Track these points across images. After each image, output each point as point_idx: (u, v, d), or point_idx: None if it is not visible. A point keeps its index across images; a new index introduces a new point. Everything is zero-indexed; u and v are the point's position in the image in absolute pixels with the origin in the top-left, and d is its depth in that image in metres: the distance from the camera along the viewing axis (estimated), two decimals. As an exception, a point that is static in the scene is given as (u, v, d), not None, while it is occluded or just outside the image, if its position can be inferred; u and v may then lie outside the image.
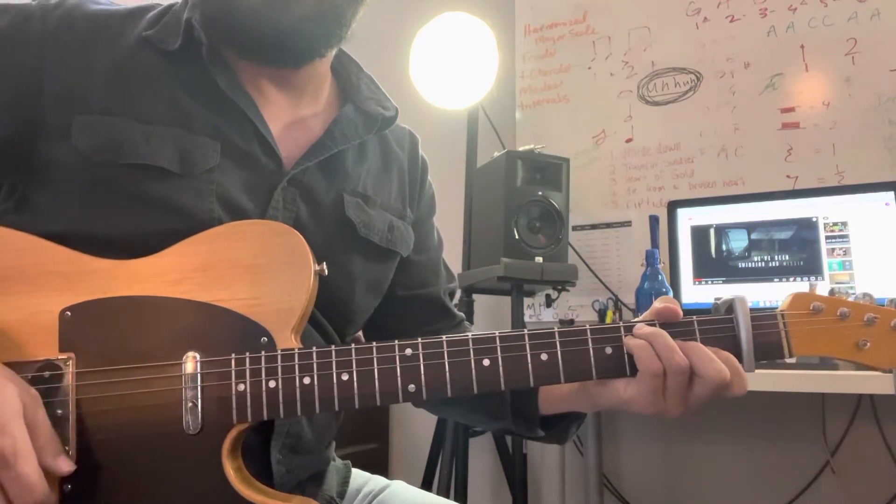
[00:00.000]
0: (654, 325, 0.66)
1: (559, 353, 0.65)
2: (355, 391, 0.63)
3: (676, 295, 1.81)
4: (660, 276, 1.76)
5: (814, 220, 1.71)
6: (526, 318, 2.03)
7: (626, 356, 0.65)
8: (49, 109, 0.69)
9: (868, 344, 0.65)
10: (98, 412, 0.62)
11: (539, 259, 1.74)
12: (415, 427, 2.33)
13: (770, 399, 1.78)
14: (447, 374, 0.64)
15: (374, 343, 0.65)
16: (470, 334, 0.66)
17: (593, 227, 2.20)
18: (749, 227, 1.78)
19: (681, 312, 0.66)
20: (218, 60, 0.75)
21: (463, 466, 1.77)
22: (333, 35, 0.76)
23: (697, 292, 1.81)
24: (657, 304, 0.67)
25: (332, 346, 0.64)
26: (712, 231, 1.82)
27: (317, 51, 0.76)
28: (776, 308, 0.67)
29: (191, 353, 0.63)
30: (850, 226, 1.67)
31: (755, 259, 1.76)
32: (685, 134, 2.09)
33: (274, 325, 0.65)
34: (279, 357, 0.63)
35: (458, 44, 1.90)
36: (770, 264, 1.74)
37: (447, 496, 1.54)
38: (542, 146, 1.86)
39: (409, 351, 0.64)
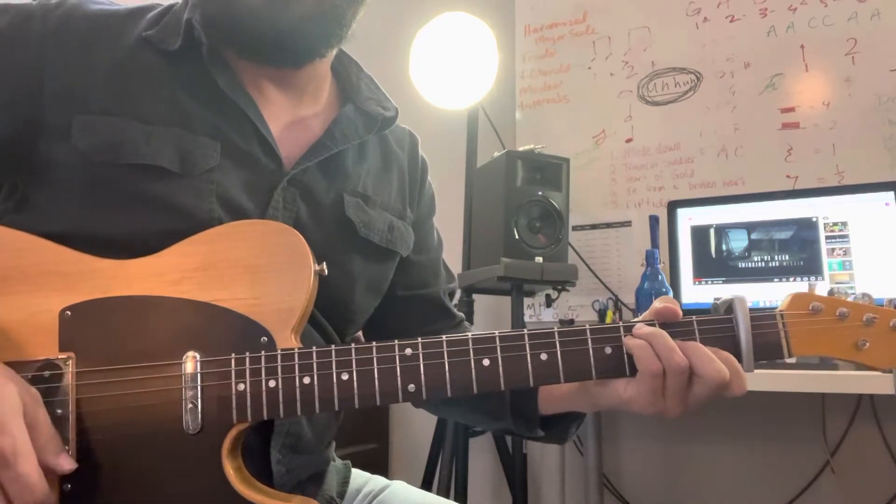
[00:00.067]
0: (653, 325, 0.66)
1: (559, 353, 0.65)
2: (355, 391, 0.63)
3: (676, 295, 1.81)
4: (660, 276, 1.76)
5: (814, 220, 1.71)
6: (526, 318, 2.03)
7: (625, 356, 0.65)
8: (49, 109, 0.69)
9: (867, 344, 0.65)
10: (98, 412, 0.62)
11: (539, 259, 1.74)
12: (415, 427, 2.33)
13: (770, 399, 1.78)
14: (447, 373, 0.64)
15: (374, 343, 0.65)
16: (470, 334, 0.66)
17: (593, 227, 2.20)
18: (749, 227, 1.78)
19: (680, 312, 0.66)
20: (218, 60, 0.75)
21: (463, 466, 1.77)
22: (333, 35, 0.76)
23: (697, 292, 1.81)
24: (657, 304, 0.67)
25: (332, 346, 0.64)
26: (712, 231, 1.82)
27: (317, 51, 0.77)
28: (776, 308, 0.67)
29: (191, 353, 0.63)
30: (850, 226, 1.67)
31: (755, 259, 1.76)
32: (685, 134, 2.10)
33: (274, 324, 0.65)
34: (279, 357, 0.63)
35: (458, 44, 1.90)
36: (770, 264, 1.74)
37: (447, 496, 1.54)
38: (542, 146, 1.86)
39: (408, 351, 0.64)
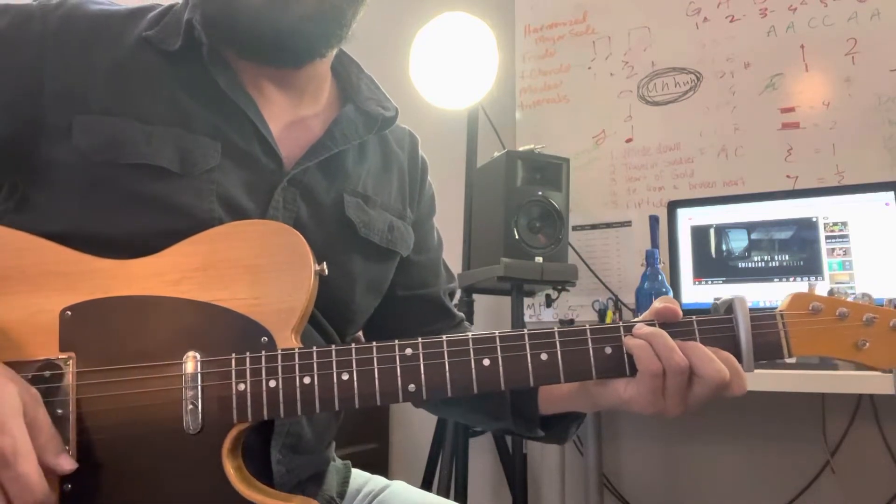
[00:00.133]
0: (653, 325, 0.66)
1: (559, 353, 0.65)
2: (355, 391, 0.63)
3: (676, 295, 1.81)
4: (660, 276, 1.76)
5: (814, 220, 1.71)
6: (526, 318, 2.03)
7: (625, 356, 0.65)
8: (49, 110, 0.69)
9: (867, 344, 0.65)
10: (98, 412, 0.62)
11: (539, 259, 1.74)
12: (415, 427, 2.33)
13: (770, 399, 1.78)
14: (447, 373, 0.64)
15: (375, 343, 0.65)
16: (470, 334, 0.66)
17: (593, 227, 2.20)
18: (749, 227, 1.78)
19: (680, 312, 0.66)
20: (218, 60, 0.75)
21: (463, 466, 1.77)
22: (334, 35, 0.76)
23: (697, 292, 1.81)
24: (657, 303, 0.67)
25: (333, 346, 0.64)
26: (712, 231, 1.82)
27: (317, 51, 0.77)
28: (776, 308, 0.67)
29: (191, 353, 0.63)
30: (850, 226, 1.67)
31: (755, 259, 1.76)
32: (685, 134, 2.10)
33: (274, 324, 0.65)
34: (279, 357, 0.63)
35: (458, 44, 1.90)
36: (770, 264, 1.74)
37: (447, 496, 1.54)
38: (542, 146, 1.86)
39: (409, 351, 0.65)
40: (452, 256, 1.10)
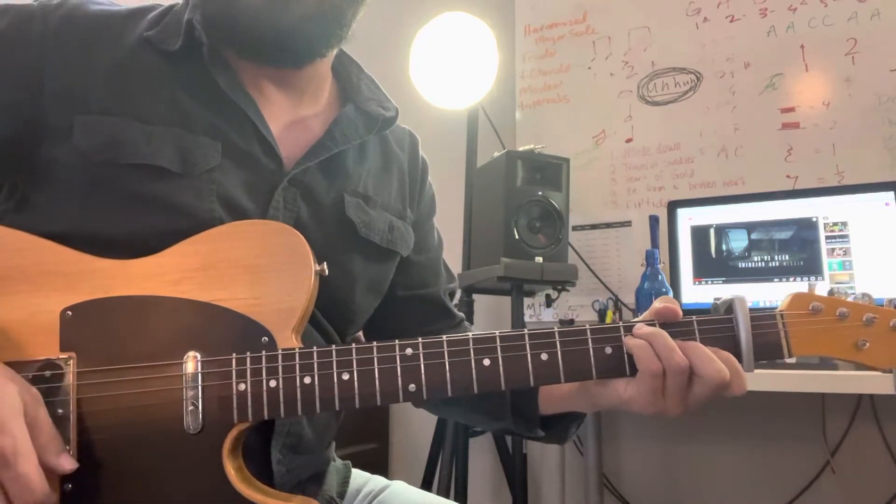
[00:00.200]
0: (653, 325, 0.66)
1: (559, 353, 0.65)
2: (356, 391, 0.63)
3: (676, 295, 1.81)
4: (660, 276, 1.76)
5: (814, 220, 1.71)
6: (526, 318, 2.03)
7: (625, 356, 0.65)
8: (50, 110, 0.69)
9: (867, 344, 0.65)
10: (99, 412, 0.62)
11: (539, 259, 1.74)
12: (415, 427, 2.33)
13: (770, 399, 1.78)
14: (447, 373, 0.64)
15: (375, 343, 0.65)
16: (470, 334, 0.66)
17: (593, 227, 2.20)
18: (749, 227, 1.78)
19: (680, 312, 0.66)
20: (218, 61, 0.75)
21: (463, 466, 1.77)
22: (334, 35, 0.76)
23: (697, 292, 1.81)
24: (657, 304, 0.67)
25: (333, 346, 0.64)
26: (712, 231, 1.82)
27: (317, 51, 0.77)
28: (776, 308, 0.67)
29: (191, 353, 0.63)
30: (850, 226, 1.67)
31: (755, 259, 1.76)
32: (685, 134, 2.10)
33: (274, 324, 0.65)
34: (280, 357, 0.63)
35: (458, 44, 1.90)
36: (770, 264, 1.74)
37: (447, 496, 1.54)
38: (542, 146, 1.86)
39: (409, 351, 0.65)
40: (452, 256, 1.10)
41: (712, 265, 1.81)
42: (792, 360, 1.10)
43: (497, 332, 0.66)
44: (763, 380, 1.37)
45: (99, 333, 0.63)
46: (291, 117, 0.80)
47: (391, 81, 1.00)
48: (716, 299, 0.69)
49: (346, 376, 0.63)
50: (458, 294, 1.82)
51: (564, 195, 1.82)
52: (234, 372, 0.63)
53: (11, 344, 0.63)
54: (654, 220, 1.92)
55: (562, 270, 1.76)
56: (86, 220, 0.68)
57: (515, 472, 1.79)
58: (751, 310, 0.66)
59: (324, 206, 0.78)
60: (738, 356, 0.65)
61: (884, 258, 1.62)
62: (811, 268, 1.69)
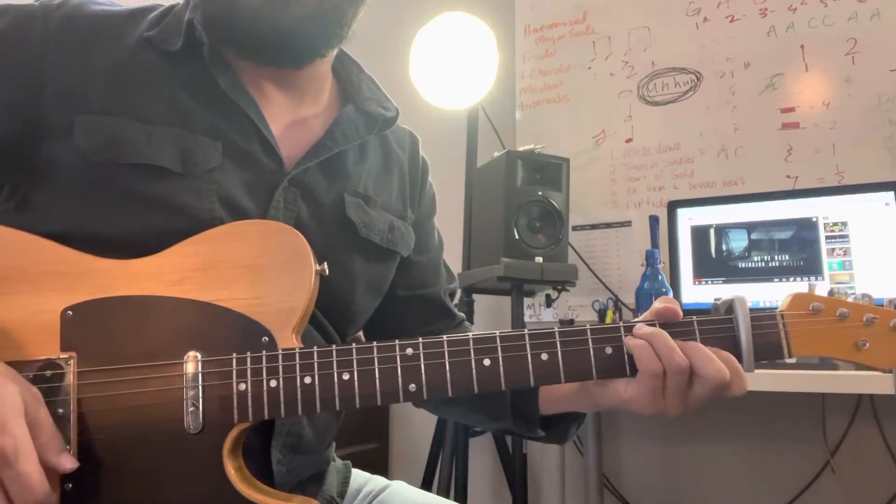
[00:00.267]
0: (654, 325, 0.66)
1: (559, 353, 0.65)
2: (356, 391, 0.63)
3: (676, 295, 1.81)
4: (660, 276, 1.76)
5: (814, 220, 1.71)
6: (526, 318, 2.03)
7: (626, 356, 0.65)
8: (50, 110, 0.69)
9: (867, 344, 0.65)
10: (99, 411, 0.62)
11: (539, 259, 1.74)
12: (415, 427, 2.33)
13: (770, 399, 1.78)
14: (448, 373, 0.64)
15: (375, 343, 0.65)
16: (470, 334, 0.66)
17: (593, 227, 2.20)
18: (749, 227, 1.78)
19: (681, 312, 0.66)
20: (219, 61, 0.75)
21: (463, 466, 1.77)
22: (334, 35, 0.76)
23: (697, 292, 1.81)
24: (657, 304, 0.67)
25: (333, 346, 0.64)
26: (712, 231, 1.82)
27: (317, 51, 0.77)
28: (776, 308, 0.67)
29: (192, 353, 0.63)
30: (850, 226, 1.67)
31: (755, 259, 1.76)
32: (685, 134, 2.10)
33: (275, 324, 0.65)
34: (280, 356, 0.64)
35: (458, 44, 1.91)
36: (770, 264, 1.74)
37: (447, 496, 1.54)
38: (542, 146, 1.86)
39: (409, 351, 0.65)
40: (452, 256, 1.10)
41: (712, 265, 1.81)
42: (792, 361, 1.10)
43: (497, 332, 0.66)
44: (763, 380, 1.37)
45: (99, 333, 0.63)
46: (292, 117, 0.80)
47: (391, 81, 1.00)
48: (716, 299, 0.69)
49: (346, 376, 0.63)
50: (459, 294, 1.82)
51: (564, 195, 1.82)
52: (234, 372, 0.63)
53: (12, 344, 0.63)
54: (654, 220, 1.92)
55: (562, 270, 1.76)
56: (86, 220, 0.68)
57: (515, 472, 1.79)
58: (751, 310, 0.66)
59: (324, 207, 0.78)
60: (739, 356, 0.65)
61: (884, 258, 1.62)
62: (811, 268, 1.69)
